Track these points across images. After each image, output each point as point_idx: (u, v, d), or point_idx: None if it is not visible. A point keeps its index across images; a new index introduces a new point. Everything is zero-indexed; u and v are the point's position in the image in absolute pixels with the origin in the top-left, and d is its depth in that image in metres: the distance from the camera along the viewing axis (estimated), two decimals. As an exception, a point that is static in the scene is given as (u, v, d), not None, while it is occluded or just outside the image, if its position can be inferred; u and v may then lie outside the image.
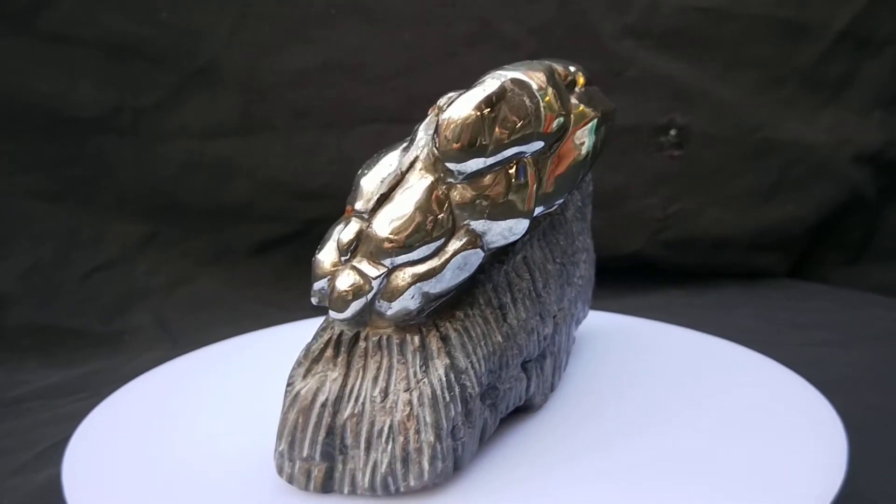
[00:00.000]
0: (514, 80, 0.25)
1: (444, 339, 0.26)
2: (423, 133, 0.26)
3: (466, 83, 0.68)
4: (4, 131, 0.56)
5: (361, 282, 0.25)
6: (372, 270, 0.25)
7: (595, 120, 0.30)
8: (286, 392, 0.27)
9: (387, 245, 0.25)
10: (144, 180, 0.59)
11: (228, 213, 0.60)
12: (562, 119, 0.27)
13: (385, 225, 0.25)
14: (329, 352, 0.26)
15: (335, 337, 0.26)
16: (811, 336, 0.50)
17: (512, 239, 0.27)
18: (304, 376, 0.26)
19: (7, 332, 0.53)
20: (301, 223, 0.60)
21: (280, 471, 0.26)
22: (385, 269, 0.25)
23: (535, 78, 0.26)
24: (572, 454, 0.28)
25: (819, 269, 0.66)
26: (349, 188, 0.68)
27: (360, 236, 0.25)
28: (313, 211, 0.60)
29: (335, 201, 0.59)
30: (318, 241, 0.69)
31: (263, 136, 0.59)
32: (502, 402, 0.29)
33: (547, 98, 0.26)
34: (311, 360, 0.27)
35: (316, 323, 0.43)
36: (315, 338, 0.27)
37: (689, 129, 0.60)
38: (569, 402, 0.33)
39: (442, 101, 0.27)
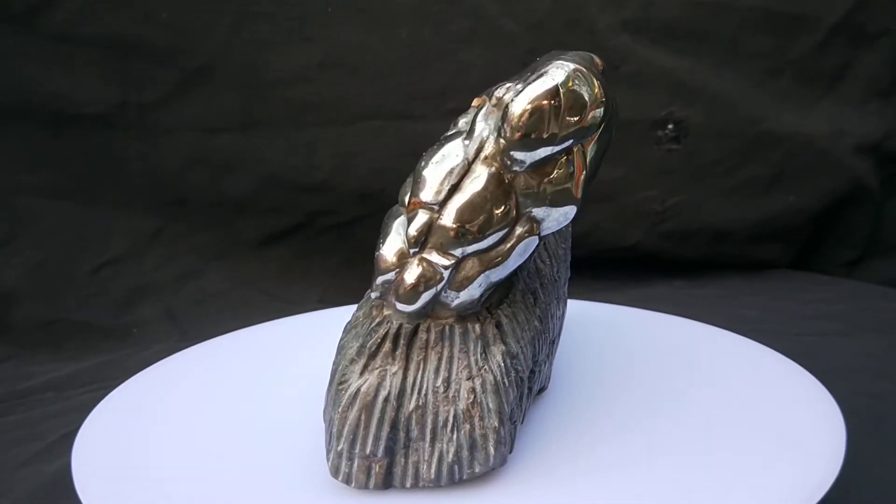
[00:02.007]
0: (576, 70, 0.25)
1: (498, 325, 0.27)
2: (484, 123, 0.26)
3: (464, 79, 0.68)
4: (11, 130, 0.56)
5: (432, 273, 0.25)
6: (443, 261, 0.25)
7: (614, 108, 0.30)
8: (338, 391, 0.26)
9: (460, 235, 0.25)
10: (150, 175, 0.59)
11: (233, 207, 0.60)
12: (603, 108, 0.27)
13: (457, 215, 0.25)
14: (387, 346, 0.26)
15: (392, 331, 0.26)
16: (814, 327, 0.51)
17: (563, 224, 0.27)
18: (362, 373, 0.26)
19: (17, 326, 0.53)
20: (303, 216, 0.61)
21: (336, 471, 0.26)
22: (455, 260, 0.25)
23: (585, 68, 0.26)
24: (583, 439, 0.29)
25: (822, 261, 0.66)
26: (350, 182, 0.69)
27: (430, 228, 0.25)
28: (315, 205, 0.61)
29: (336, 195, 0.60)
30: (321, 233, 0.69)
31: (264, 132, 0.59)
32: (535, 384, 0.30)
33: (596, 89, 0.26)
34: (367, 356, 0.26)
35: (323, 315, 0.43)
36: (369, 333, 0.27)
37: (688, 123, 0.60)
38: (575, 391, 0.33)
39: (500, 92, 0.26)
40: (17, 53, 0.55)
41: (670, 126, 0.60)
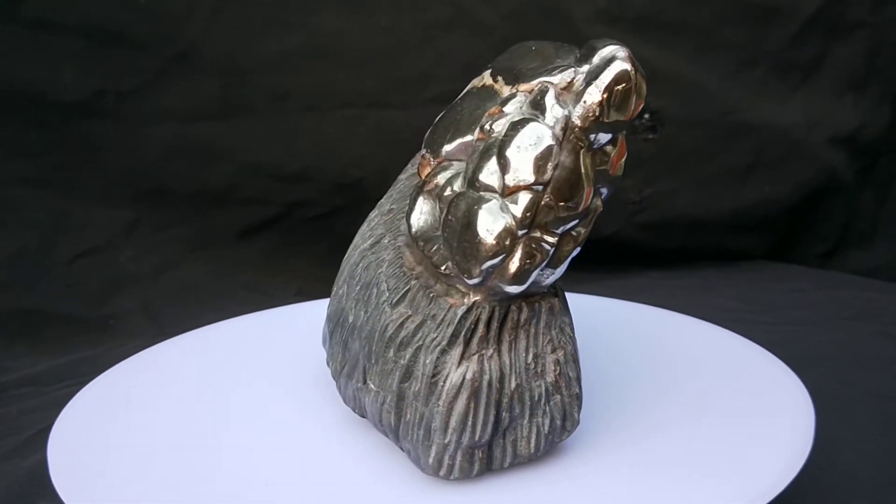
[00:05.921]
0: (631, 54, 0.26)
1: (562, 299, 0.28)
2: (559, 106, 0.26)
3: (442, 68, 0.67)
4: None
5: (540, 251, 0.26)
6: (548, 239, 0.26)
7: None
8: (432, 384, 0.26)
9: (566, 212, 0.26)
10: (128, 165, 0.58)
11: (212, 197, 0.60)
12: None
13: (562, 194, 0.25)
14: (480, 331, 0.27)
15: (484, 316, 0.27)
16: (788, 316, 0.51)
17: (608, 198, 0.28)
18: (460, 362, 0.26)
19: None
20: (282, 207, 0.61)
21: (438, 466, 0.26)
22: (557, 237, 0.26)
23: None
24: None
25: (797, 251, 0.66)
26: (329, 170, 0.68)
27: (536, 208, 0.26)
28: (293, 195, 0.60)
29: (315, 184, 0.60)
30: (300, 225, 0.68)
31: (244, 120, 0.59)
32: None
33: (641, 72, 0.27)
34: (463, 344, 0.26)
35: (301, 308, 0.43)
36: (460, 322, 0.26)
37: (663, 113, 0.61)
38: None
39: (567, 76, 0.26)
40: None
41: (646, 116, 0.61)
